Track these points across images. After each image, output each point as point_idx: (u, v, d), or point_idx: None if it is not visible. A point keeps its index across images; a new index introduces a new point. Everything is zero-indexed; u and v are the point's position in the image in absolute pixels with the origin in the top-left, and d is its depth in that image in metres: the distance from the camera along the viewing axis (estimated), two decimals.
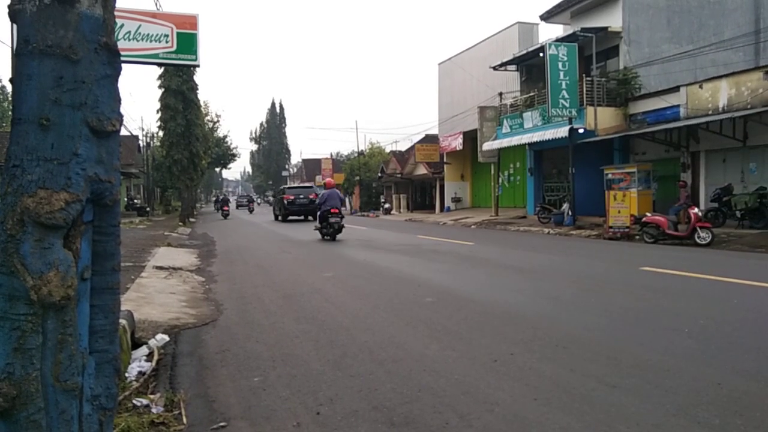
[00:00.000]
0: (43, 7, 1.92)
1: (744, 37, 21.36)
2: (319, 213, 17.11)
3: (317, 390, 3.94)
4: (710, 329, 5.35)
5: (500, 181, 29.96)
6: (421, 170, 40.17)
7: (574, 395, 3.69)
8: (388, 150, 53.43)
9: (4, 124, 42.09)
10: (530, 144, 24.35)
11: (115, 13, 2.17)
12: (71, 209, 1.90)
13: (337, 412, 3.54)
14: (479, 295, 7.46)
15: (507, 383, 3.97)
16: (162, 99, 31.35)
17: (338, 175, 59.14)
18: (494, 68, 26.59)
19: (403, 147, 51.64)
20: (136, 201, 43.71)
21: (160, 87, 31.32)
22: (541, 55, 21.30)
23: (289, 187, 35.24)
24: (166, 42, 7.96)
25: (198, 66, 8.87)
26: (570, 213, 20.32)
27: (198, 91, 32.92)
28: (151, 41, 7.87)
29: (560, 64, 20.24)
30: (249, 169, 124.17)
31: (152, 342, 5.08)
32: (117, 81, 2.12)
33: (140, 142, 47.82)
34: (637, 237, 15.36)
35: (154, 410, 3.61)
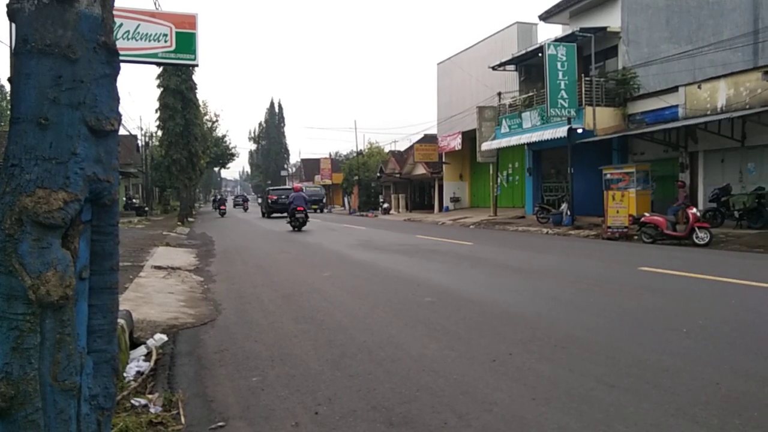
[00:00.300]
0: (41, 6, 1.91)
1: (743, 37, 21.39)
2: (288, 210, 22.08)
3: (316, 390, 3.93)
4: (709, 329, 5.35)
5: (499, 181, 29.96)
6: (420, 170, 40.18)
7: (572, 395, 3.69)
8: (386, 150, 53.42)
9: (2, 123, 42.01)
10: (529, 144, 24.36)
11: (114, 13, 2.17)
12: (70, 209, 1.90)
13: (336, 411, 3.54)
14: (478, 295, 7.47)
15: (506, 383, 3.97)
16: (161, 98, 31.34)
17: (337, 174, 59.20)
18: (493, 68, 26.61)
19: (402, 147, 51.71)
20: (134, 200, 43.70)
21: (158, 86, 31.33)
22: (540, 55, 21.31)
23: (272, 189, 42.10)
24: (165, 41, 7.96)
25: (197, 65, 8.87)
26: (569, 213, 20.34)
27: (197, 91, 32.95)
28: (149, 41, 7.87)
29: (559, 64, 20.25)
30: (248, 168, 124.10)
31: (150, 342, 5.07)
32: (116, 80, 2.12)
33: (139, 142, 47.80)
34: (636, 237, 15.38)
35: (152, 410, 3.60)
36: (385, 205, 42.23)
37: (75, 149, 1.93)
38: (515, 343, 4.96)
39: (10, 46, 9.17)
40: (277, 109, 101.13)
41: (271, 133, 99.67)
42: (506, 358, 4.55)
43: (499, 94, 27.08)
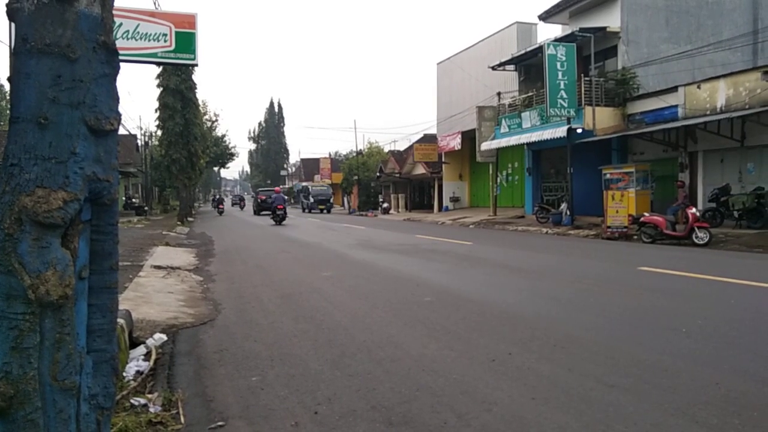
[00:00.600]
0: (41, 5, 1.91)
1: (742, 37, 21.39)
2: (271, 208, 28.95)
3: (315, 389, 3.93)
4: (708, 329, 5.35)
5: (498, 180, 29.97)
6: (420, 170, 40.18)
7: (572, 395, 3.69)
8: (386, 149, 53.41)
9: (1, 123, 42.01)
10: (528, 144, 24.37)
11: (114, 12, 2.17)
12: (69, 208, 1.89)
13: (335, 411, 3.54)
14: (478, 294, 7.47)
15: (505, 383, 3.97)
16: (160, 98, 31.33)
17: (336, 174, 59.22)
18: (493, 68, 26.61)
19: (401, 147, 51.64)
20: (134, 200, 43.67)
21: (158, 86, 31.32)
22: (540, 55, 21.31)
23: (261, 190, 50.37)
24: (165, 41, 7.95)
25: (196, 65, 8.87)
26: (568, 213, 20.34)
27: (196, 91, 32.96)
28: (149, 40, 7.87)
29: (559, 64, 20.25)
30: (247, 168, 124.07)
31: (150, 341, 5.07)
32: (115, 80, 2.12)
33: (138, 141, 47.77)
34: (635, 237, 15.38)
35: (151, 410, 3.60)
36: (385, 205, 42.23)
37: (74, 149, 1.93)
38: (515, 343, 4.96)
39: (10, 46, 9.16)
40: (276, 109, 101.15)
41: (271, 132, 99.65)
42: (506, 357, 4.55)
43: (499, 94, 27.09)
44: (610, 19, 21.74)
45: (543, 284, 8.28)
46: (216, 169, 77.04)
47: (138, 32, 7.79)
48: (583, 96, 20.57)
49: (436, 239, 16.80)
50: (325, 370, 4.37)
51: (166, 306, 6.90)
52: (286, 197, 31.35)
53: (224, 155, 54.52)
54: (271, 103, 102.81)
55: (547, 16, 25.45)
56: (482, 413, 3.45)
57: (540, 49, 21.45)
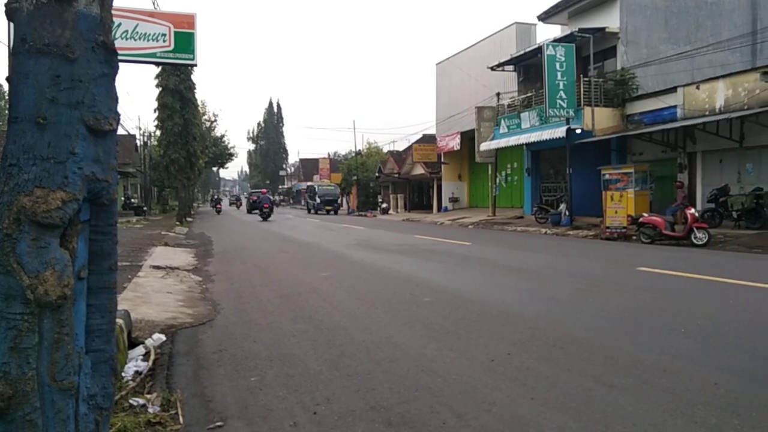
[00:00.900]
0: (40, 5, 1.91)
1: (741, 38, 21.42)
2: (258, 206, 34.25)
3: (314, 389, 3.93)
4: (707, 329, 5.36)
5: (497, 181, 29.98)
6: (419, 170, 40.19)
7: (571, 395, 3.70)
8: (385, 150, 53.41)
9: (0, 123, 41.95)
10: (527, 144, 24.38)
11: (113, 12, 2.17)
12: (68, 208, 1.89)
13: (334, 411, 3.54)
14: (477, 294, 7.47)
15: (504, 383, 3.97)
16: (159, 98, 31.31)
17: (335, 174, 59.21)
18: (492, 68, 26.63)
19: (400, 147, 51.60)
20: (133, 200, 43.65)
21: (157, 86, 31.29)
22: (539, 55, 21.34)
23: (253, 191, 57.27)
24: (164, 41, 7.95)
25: (195, 65, 8.86)
26: (567, 213, 20.35)
27: (195, 91, 32.97)
28: (148, 40, 7.86)
29: (558, 65, 20.27)
30: (246, 168, 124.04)
31: (149, 341, 5.07)
32: (114, 80, 2.11)
33: (137, 141, 47.73)
34: (634, 237, 15.39)
35: (150, 410, 3.60)
36: (384, 205, 42.23)
37: (73, 149, 1.92)
38: (514, 343, 4.96)
39: (9, 46, 9.16)
40: (275, 109, 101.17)
41: (270, 133, 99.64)
42: (505, 358, 4.55)
43: (498, 94, 27.11)
44: (610, 20, 21.77)
45: (542, 284, 8.28)
46: (215, 169, 77.28)
47: (137, 32, 7.78)
48: (582, 96, 20.59)
49: (435, 239, 16.80)
50: (324, 370, 4.37)
51: (165, 306, 6.90)
52: (271, 197, 38.55)
53: (223, 155, 54.50)
54: (270, 104, 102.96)
55: (546, 17, 25.48)
56: (481, 413, 3.45)
57: (539, 50, 21.47)
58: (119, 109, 2.16)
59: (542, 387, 3.86)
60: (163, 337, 5.29)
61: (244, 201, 72.00)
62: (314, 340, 5.29)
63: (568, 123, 20.49)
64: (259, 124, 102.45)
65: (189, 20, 8.23)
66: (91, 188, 2.00)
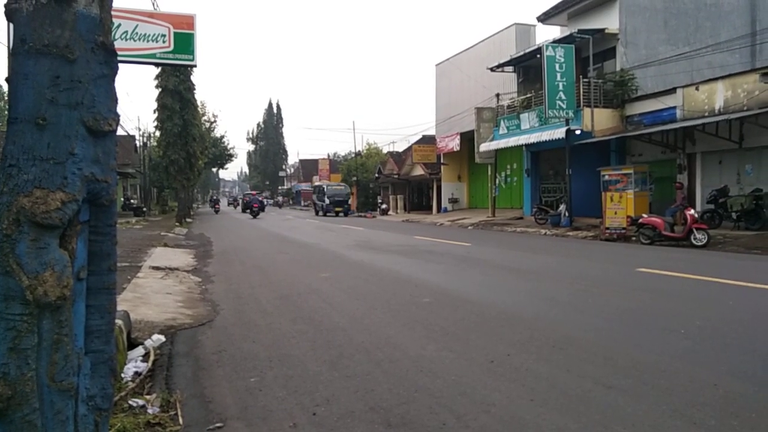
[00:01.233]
0: (39, 6, 1.91)
1: (740, 39, 21.45)
2: (249, 206, 40.05)
3: (314, 390, 3.93)
4: (706, 330, 5.36)
5: (497, 182, 29.98)
6: (418, 171, 40.19)
7: (570, 396, 3.70)
8: (385, 150, 53.45)
9: (0, 124, 41.94)
10: (527, 145, 24.40)
11: (112, 13, 2.17)
12: (67, 209, 1.89)
13: (334, 412, 3.54)
14: (476, 295, 7.47)
15: (504, 384, 3.97)
16: (159, 99, 31.28)
17: (335, 175, 59.25)
18: (491, 69, 26.63)
19: (400, 148, 51.66)
20: (132, 201, 43.64)
21: (157, 87, 31.27)
22: (538, 56, 21.34)
23: (246, 193, 63.29)
24: (163, 42, 7.94)
25: (195, 66, 8.86)
26: (567, 214, 20.35)
27: (195, 91, 32.93)
28: (148, 41, 7.86)
29: (557, 66, 20.28)
30: (246, 169, 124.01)
31: (148, 342, 5.07)
32: (114, 81, 2.11)
33: (137, 142, 47.72)
34: (634, 238, 15.40)
35: (150, 411, 3.60)
36: (384, 206, 42.20)
37: (73, 149, 1.92)
38: (513, 344, 4.96)
39: (8, 46, 9.16)
40: (275, 110, 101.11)
41: (270, 133, 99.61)
42: (504, 358, 4.55)
43: (498, 95, 27.12)
44: (609, 21, 21.78)
45: (541, 285, 8.28)
46: (214, 170, 77.50)
47: (136, 33, 7.78)
48: (581, 97, 20.60)
49: (435, 240, 16.80)
50: (324, 371, 4.36)
51: (165, 307, 6.89)
52: (260, 199, 43.27)
53: (223, 156, 54.51)
54: (270, 104, 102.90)
55: (545, 18, 25.48)
56: (481, 414, 3.45)
57: (539, 51, 21.48)
58: (119, 109, 2.16)
59: (542, 388, 3.86)
60: (162, 338, 5.29)
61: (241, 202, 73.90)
62: (313, 340, 5.29)
63: (567, 124, 20.50)
64: (258, 124, 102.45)
65: (188, 21, 8.23)
66: (91, 189, 2.00)
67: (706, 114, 17.31)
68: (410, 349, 4.89)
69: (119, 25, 7.52)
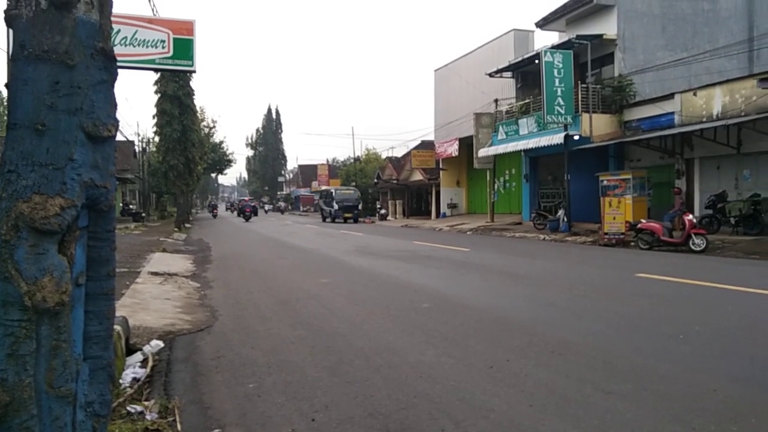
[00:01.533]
0: (39, 12, 1.92)
1: (738, 45, 21.53)
2: (242, 210, 46.04)
3: (313, 396, 3.92)
4: (705, 336, 5.36)
5: (496, 187, 30.01)
6: (417, 176, 40.19)
7: (569, 401, 3.69)
8: (384, 156, 53.48)
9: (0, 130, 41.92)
10: (526, 150, 24.43)
11: (112, 19, 2.17)
12: (66, 215, 1.89)
13: (333, 418, 3.53)
14: (475, 301, 7.46)
15: (503, 389, 3.96)
16: (158, 104, 31.30)
17: (334, 180, 59.27)
18: (490, 75, 26.68)
19: (399, 153, 51.60)
20: (131, 206, 43.61)
21: (156, 92, 31.29)
22: (537, 62, 21.40)
23: (241, 199, 71.10)
24: (163, 47, 7.97)
25: (194, 72, 8.88)
26: (565, 219, 20.37)
27: (194, 97, 32.93)
28: (147, 47, 7.89)
29: (556, 71, 20.33)
30: (245, 174, 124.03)
31: (147, 348, 5.06)
32: (113, 86, 2.12)
33: (136, 148, 47.67)
34: (632, 243, 15.40)
35: (148, 417, 3.58)
36: (383, 211, 42.20)
37: (72, 155, 1.93)
38: (512, 350, 4.96)
39: (8, 52, 9.17)
40: (274, 116, 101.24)
41: (269, 139, 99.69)
42: (503, 364, 4.54)
43: (496, 100, 27.17)
44: (607, 27, 21.85)
45: (540, 290, 8.28)
46: (213, 175, 77.56)
47: (136, 39, 7.81)
48: (580, 103, 20.63)
49: (434, 245, 16.80)
50: (323, 377, 4.35)
51: (163, 313, 6.88)
52: (253, 204, 50.19)
53: (222, 161, 54.47)
54: (269, 110, 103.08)
55: (544, 24, 25.55)
56: (480, 420, 3.44)
57: (537, 56, 21.53)
58: (118, 115, 2.16)
59: (541, 393, 3.86)
60: (161, 344, 5.27)
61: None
62: (312, 346, 5.28)
63: (566, 129, 20.54)
64: (257, 130, 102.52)
65: (188, 27, 8.26)
66: (90, 194, 2.00)
67: (704, 119, 17.35)
68: (409, 355, 4.89)
69: (119, 31, 7.55)
